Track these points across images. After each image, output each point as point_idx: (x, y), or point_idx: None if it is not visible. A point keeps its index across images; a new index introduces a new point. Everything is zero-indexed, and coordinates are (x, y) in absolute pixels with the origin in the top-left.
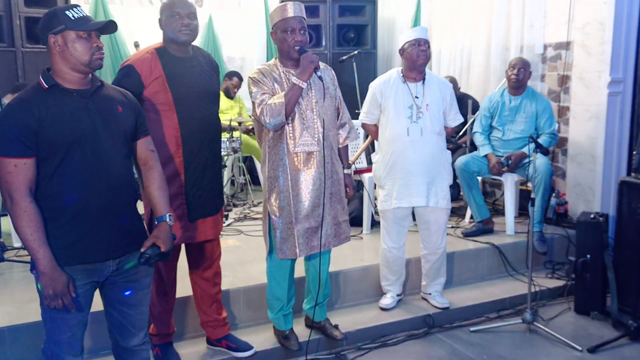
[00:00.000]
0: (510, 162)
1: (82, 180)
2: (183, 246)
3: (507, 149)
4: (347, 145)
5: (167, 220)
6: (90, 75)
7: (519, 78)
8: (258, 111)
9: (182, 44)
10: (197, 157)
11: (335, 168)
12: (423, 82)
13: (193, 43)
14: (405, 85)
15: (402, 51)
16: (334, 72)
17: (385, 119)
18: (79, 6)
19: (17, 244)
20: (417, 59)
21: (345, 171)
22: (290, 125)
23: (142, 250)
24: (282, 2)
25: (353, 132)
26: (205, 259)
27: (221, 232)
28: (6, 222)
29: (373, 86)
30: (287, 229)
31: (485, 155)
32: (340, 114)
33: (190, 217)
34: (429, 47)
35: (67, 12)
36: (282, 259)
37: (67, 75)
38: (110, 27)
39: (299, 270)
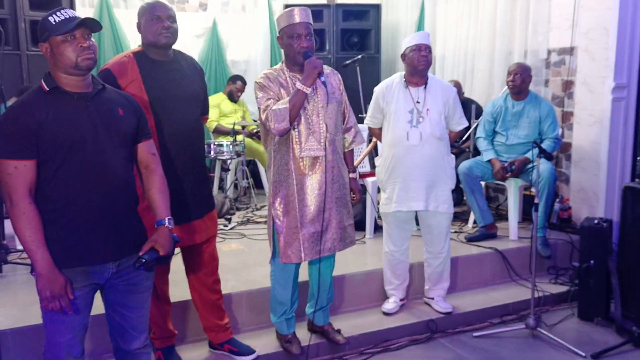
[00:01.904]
0: (514, 167)
1: (82, 182)
2: (177, 250)
3: (511, 154)
4: (352, 150)
5: (167, 223)
6: (90, 77)
7: (515, 84)
8: (263, 117)
9: (163, 47)
10: (176, 160)
11: (341, 172)
12: (425, 87)
13: (178, 48)
14: (407, 90)
15: (403, 56)
16: (340, 77)
17: (387, 123)
18: (63, 9)
19: (20, 246)
20: (417, 64)
21: (351, 175)
22: (296, 129)
23: (140, 254)
24: (287, 6)
25: (359, 137)
26: (201, 265)
27: (224, 237)
28: (9, 225)
29: (376, 90)
30: (292, 233)
31: (489, 161)
32: (346, 118)
33: None
34: (430, 52)
35: (49, 18)
36: (286, 263)
37: (63, 79)
38: (88, 24)
39: (302, 274)
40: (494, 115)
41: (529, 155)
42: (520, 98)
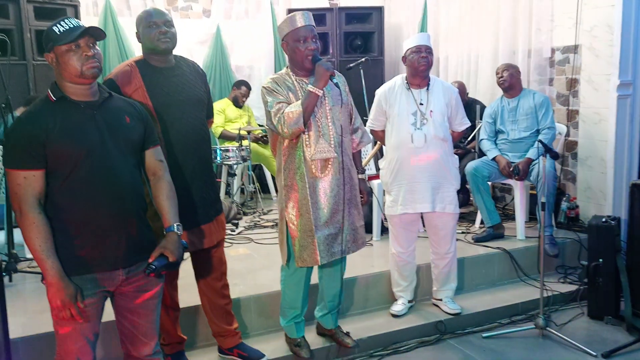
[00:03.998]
0: (519, 170)
1: (90, 190)
2: (186, 255)
3: (515, 151)
4: (360, 150)
5: (175, 230)
6: (96, 86)
7: (504, 80)
8: (275, 120)
9: (162, 52)
10: (183, 165)
11: (351, 174)
12: (427, 88)
13: (182, 55)
14: (410, 92)
15: (404, 58)
16: (344, 79)
17: (390, 126)
18: (68, 18)
19: (29, 255)
20: (418, 66)
21: (360, 176)
22: (306, 133)
23: (150, 261)
24: (290, 11)
25: (366, 137)
26: (210, 269)
27: (231, 242)
28: (19, 234)
29: (378, 93)
30: (307, 236)
31: (494, 158)
32: (353, 119)
33: None
34: (430, 53)
35: (54, 28)
36: (299, 267)
37: (69, 88)
38: (92, 33)
39: (312, 277)
40: (492, 117)
41: (530, 154)
42: (513, 95)
